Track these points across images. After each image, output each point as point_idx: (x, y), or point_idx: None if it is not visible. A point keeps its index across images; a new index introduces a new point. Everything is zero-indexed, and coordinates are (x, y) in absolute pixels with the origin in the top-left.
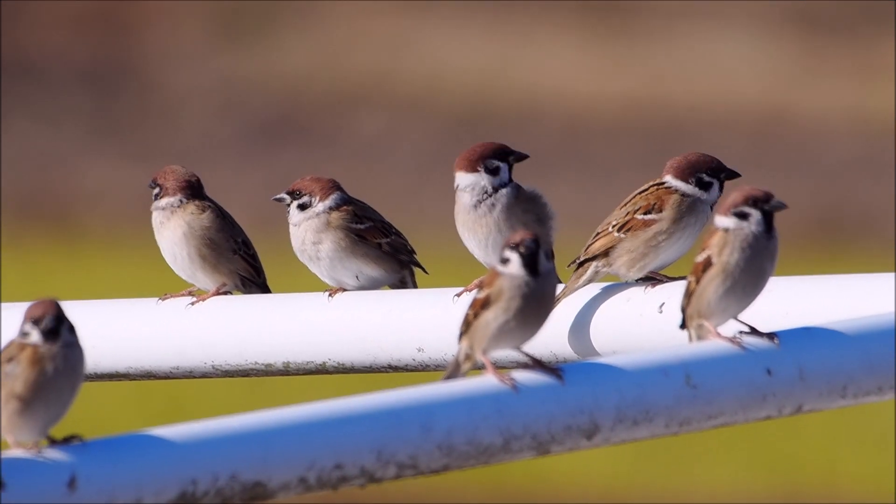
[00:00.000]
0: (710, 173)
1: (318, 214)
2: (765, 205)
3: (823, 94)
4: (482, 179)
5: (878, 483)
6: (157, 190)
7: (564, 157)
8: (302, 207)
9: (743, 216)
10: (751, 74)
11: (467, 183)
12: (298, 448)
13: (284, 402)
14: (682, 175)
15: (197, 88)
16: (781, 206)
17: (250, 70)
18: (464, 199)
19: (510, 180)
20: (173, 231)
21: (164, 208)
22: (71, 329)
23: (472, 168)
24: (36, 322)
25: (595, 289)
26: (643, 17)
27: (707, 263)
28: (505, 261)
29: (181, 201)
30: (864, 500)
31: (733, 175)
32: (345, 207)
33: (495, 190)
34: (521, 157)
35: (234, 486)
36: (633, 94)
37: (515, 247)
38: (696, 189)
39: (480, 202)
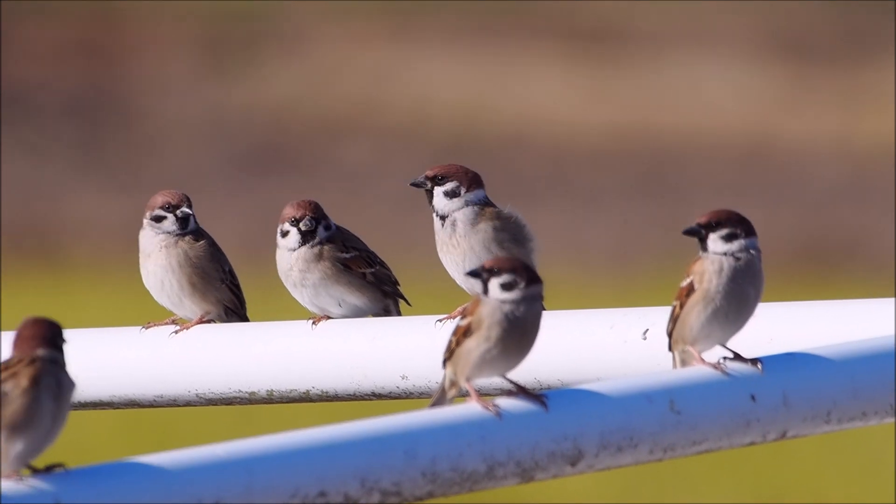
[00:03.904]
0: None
1: (313, 245)
2: (711, 231)
3: (809, 121)
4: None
5: None
6: (187, 213)
7: (550, 184)
8: (304, 235)
9: (703, 241)
10: (736, 102)
11: None
12: (282, 475)
13: (271, 429)
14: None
15: (183, 118)
16: (688, 230)
17: (236, 99)
18: (436, 224)
19: (464, 196)
20: (168, 259)
21: (171, 232)
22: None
23: None
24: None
25: (579, 315)
26: (628, 45)
27: (690, 289)
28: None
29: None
30: None
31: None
32: (334, 237)
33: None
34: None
35: None
36: (618, 121)
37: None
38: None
39: (443, 221)
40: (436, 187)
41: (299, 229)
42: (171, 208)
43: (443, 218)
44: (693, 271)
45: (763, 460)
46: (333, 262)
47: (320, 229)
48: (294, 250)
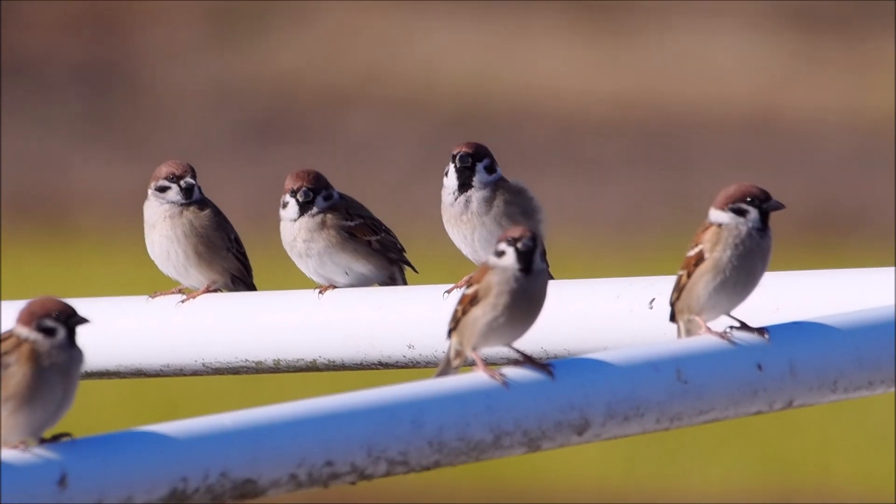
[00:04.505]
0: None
1: (313, 215)
2: (763, 203)
3: (817, 91)
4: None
5: (873, 482)
6: (191, 183)
7: (557, 155)
8: (306, 205)
9: (740, 212)
10: (744, 72)
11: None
12: (289, 445)
13: (278, 399)
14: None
15: (189, 88)
16: (779, 207)
17: (242, 69)
18: (444, 197)
19: (495, 173)
20: (173, 229)
21: (175, 202)
22: (73, 329)
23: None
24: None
25: (585, 285)
26: (636, 16)
27: (699, 258)
28: (500, 254)
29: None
30: (858, 500)
31: (778, 206)
32: (338, 206)
33: (471, 186)
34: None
35: (224, 484)
36: (626, 92)
37: (513, 241)
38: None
39: (456, 198)
40: (477, 163)
41: (297, 200)
42: (175, 178)
43: (461, 193)
44: (703, 240)
45: (769, 432)
46: (338, 230)
47: (319, 199)
48: (295, 220)
